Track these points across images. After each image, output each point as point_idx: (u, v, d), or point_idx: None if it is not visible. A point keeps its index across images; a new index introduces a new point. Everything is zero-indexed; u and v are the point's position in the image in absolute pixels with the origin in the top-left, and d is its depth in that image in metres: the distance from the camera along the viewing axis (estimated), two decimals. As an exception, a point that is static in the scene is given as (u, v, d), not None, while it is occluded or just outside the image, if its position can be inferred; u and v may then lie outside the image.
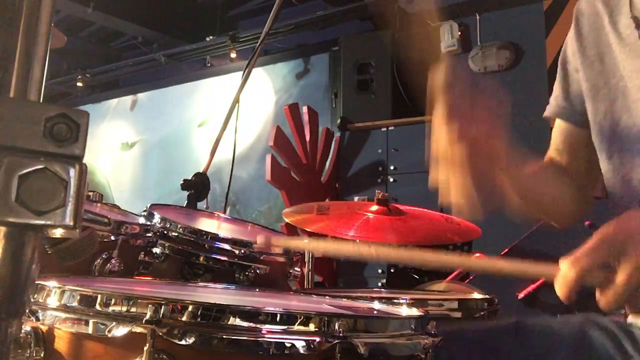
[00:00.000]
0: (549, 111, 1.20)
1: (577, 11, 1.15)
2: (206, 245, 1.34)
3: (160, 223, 1.33)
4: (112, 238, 1.20)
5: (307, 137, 4.42)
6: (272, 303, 1.06)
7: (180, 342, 0.67)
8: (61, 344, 0.74)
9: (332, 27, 5.29)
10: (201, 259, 1.33)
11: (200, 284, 1.25)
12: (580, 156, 1.16)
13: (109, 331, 0.69)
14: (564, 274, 0.72)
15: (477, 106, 0.86)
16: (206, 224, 1.63)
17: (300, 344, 0.69)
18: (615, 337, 0.96)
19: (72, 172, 0.42)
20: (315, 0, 5.31)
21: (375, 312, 1.02)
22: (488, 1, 3.97)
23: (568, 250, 0.72)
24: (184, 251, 1.32)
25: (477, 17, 4.04)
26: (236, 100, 2.13)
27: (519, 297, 2.45)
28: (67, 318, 0.73)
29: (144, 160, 6.90)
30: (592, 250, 0.72)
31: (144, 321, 0.67)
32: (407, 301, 1.30)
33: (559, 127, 1.20)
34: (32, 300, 0.74)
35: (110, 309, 0.71)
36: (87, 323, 0.71)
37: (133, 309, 0.70)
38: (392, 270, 4.07)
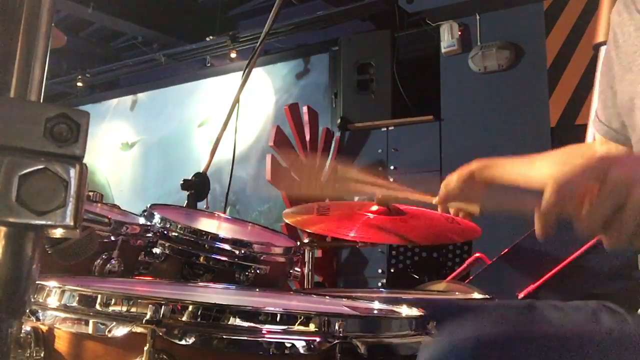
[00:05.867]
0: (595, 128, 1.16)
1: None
2: (206, 245, 1.34)
3: (160, 223, 1.33)
4: (112, 238, 1.20)
5: (307, 137, 4.42)
6: (272, 303, 1.06)
7: (180, 342, 0.67)
8: (61, 344, 0.74)
9: (332, 27, 5.29)
10: (201, 259, 1.33)
11: (200, 284, 1.25)
12: None
13: (109, 331, 0.69)
14: (545, 201, 0.65)
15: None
16: (206, 224, 1.63)
17: (300, 344, 0.69)
18: (627, 323, 0.96)
19: (73, 172, 0.42)
20: (315, 0, 5.30)
21: (375, 312, 1.02)
22: (488, 1, 3.96)
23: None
24: (184, 251, 1.32)
25: (477, 17, 4.04)
26: (236, 100, 2.13)
27: (519, 297, 2.45)
28: (67, 318, 0.73)
29: (143, 160, 6.90)
30: (576, 175, 0.66)
31: (144, 321, 0.67)
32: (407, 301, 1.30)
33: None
34: (32, 300, 0.74)
35: (110, 309, 0.71)
36: (87, 323, 0.71)
37: (133, 309, 0.70)
38: (392, 271, 4.07)
